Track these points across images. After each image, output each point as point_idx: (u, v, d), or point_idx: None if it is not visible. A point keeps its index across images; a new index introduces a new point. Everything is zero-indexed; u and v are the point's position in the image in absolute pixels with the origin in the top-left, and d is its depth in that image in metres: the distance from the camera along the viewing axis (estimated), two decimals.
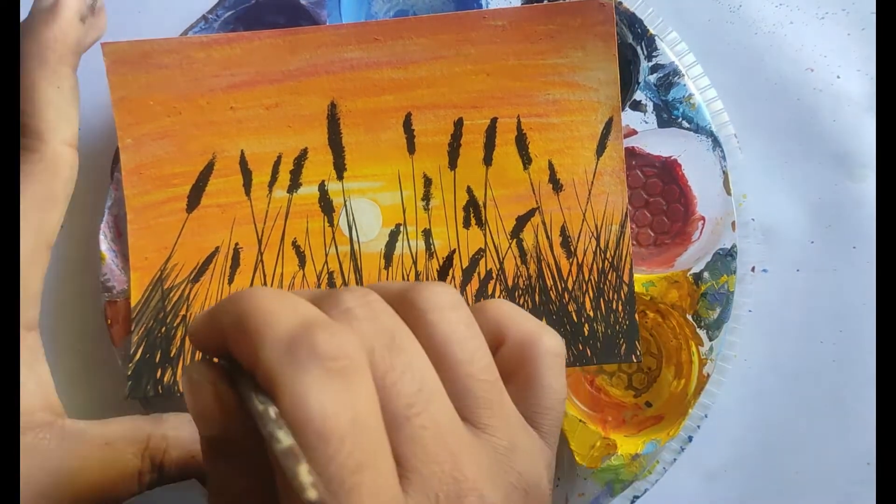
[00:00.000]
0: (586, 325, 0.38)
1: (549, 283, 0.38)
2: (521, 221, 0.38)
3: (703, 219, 0.40)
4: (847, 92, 0.42)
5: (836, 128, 0.42)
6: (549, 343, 0.28)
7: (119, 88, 0.38)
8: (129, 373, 0.38)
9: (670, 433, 0.39)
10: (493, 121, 0.38)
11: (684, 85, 0.39)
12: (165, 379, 0.38)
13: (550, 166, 0.38)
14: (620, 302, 0.38)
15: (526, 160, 0.38)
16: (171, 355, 0.38)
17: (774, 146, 0.42)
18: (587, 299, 0.38)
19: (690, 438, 0.39)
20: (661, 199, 0.40)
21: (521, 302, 0.38)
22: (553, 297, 0.38)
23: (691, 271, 0.39)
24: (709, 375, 0.39)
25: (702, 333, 0.39)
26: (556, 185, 0.38)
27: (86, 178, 0.35)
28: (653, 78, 0.39)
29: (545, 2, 0.38)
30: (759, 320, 0.42)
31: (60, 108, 0.33)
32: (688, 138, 0.39)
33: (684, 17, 0.42)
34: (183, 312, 0.38)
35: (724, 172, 0.39)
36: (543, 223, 0.38)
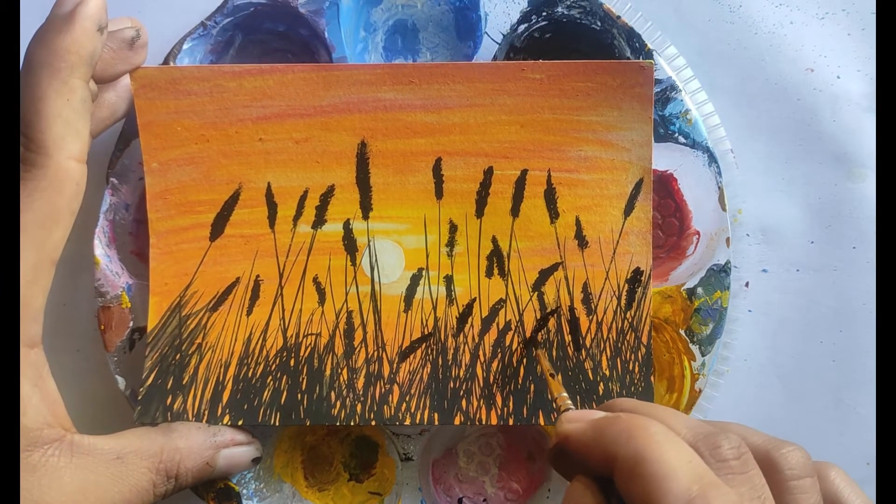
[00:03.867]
0: (601, 384, 0.38)
1: (568, 338, 0.38)
2: (544, 275, 0.38)
3: (698, 233, 0.40)
4: (847, 92, 0.42)
5: (836, 128, 0.42)
6: None
7: (146, 113, 0.37)
8: (140, 397, 0.38)
9: None
10: (524, 173, 0.38)
11: (681, 100, 0.39)
12: (175, 406, 0.38)
13: (577, 222, 0.38)
14: (637, 363, 0.38)
15: (553, 214, 0.38)
16: (184, 383, 0.38)
17: (774, 146, 0.42)
18: (604, 358, 0.38)
19: None
20: (657, 213, 0.40)
21: (537, 356, 0.38)
22: (570, 353, 0.38)
23: (685, 286, 0.39)
24: (700, 391, 0.39)
25: (694, 349, 0.39)
26: (582, 241, 0.38)
27: None
28: None
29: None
30: (759, 320, 0.42)
31: (69, 122, 0.32)
32: (684, 153, 0.40)
33: (684, 17, 0.42)
34: (199, 341, 0.38)
35: (720, 188, 0.39)
36: (566, 278, 0.38)
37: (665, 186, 0.40)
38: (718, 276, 0.39)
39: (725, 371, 0.40)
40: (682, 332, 0.39)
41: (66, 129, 0.32)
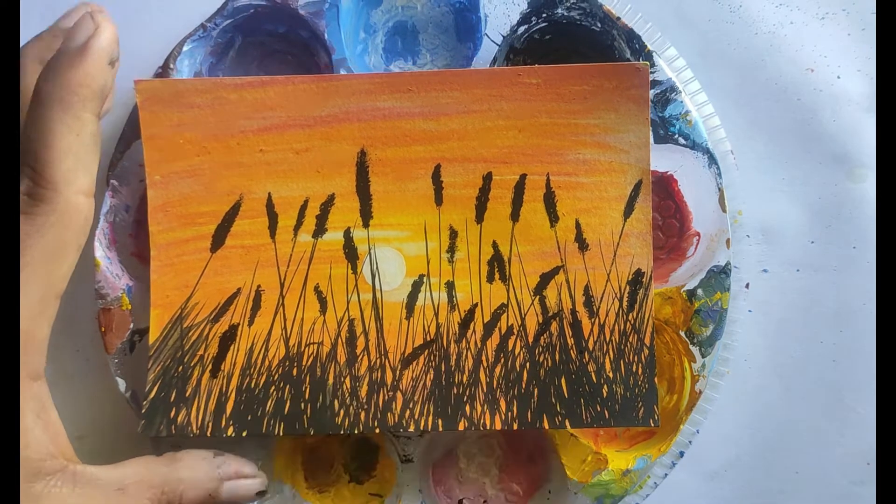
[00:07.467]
0: (605, 387, 0.38)
1: (570, 342, 0.38)
2: (545, 279, 0.38)
3: (698, 235, 0.40)
4: (847, 92, 0.42)
5: (836, 128, 0.42)
6: None
7: (150, 126, 0.37)
8: (144, 411, 0.38)
9: (661, 449, 0.40)
10: (523, 177, 0.38)
11: (681, 102, 0.39)
12: (179, 419, 0.38)
13: (577, 225, 0.38)
14: (640, 365, 0.38)
15: (553, 218, 0.38)
16: (187, 395, 0.38)
17: (774, 147, 0.42)
18: (607, 360, 0.38)
19: (682, 454, 0.40)
20: (657, 214, 0.40)
21: (541, 360, 0.38)
22: (573, 356, 0.38)
23: (685, 287, 0.40)
24: (701, 392, 0.39)
25: (694, 350, 0.40)
26: (582, 244, 0.38)
27: None
28: (650, 94, 0.39)
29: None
30: (759, 320, 0.42)
31: (79, 157, 0.32)
32: (684, 155, 0.40)
33: (684, 17, 0.42)
34: (201, 352, 0.38)
35: (720, 189, 0.40)
36: (567, 281, 0.38)
37: (665, 188, 0.40)
38: (719, 277, 0.39)
39: (726, 372, 0.40)
40: (682, 333, 0.40)
41: (76, 163, 0.32)
